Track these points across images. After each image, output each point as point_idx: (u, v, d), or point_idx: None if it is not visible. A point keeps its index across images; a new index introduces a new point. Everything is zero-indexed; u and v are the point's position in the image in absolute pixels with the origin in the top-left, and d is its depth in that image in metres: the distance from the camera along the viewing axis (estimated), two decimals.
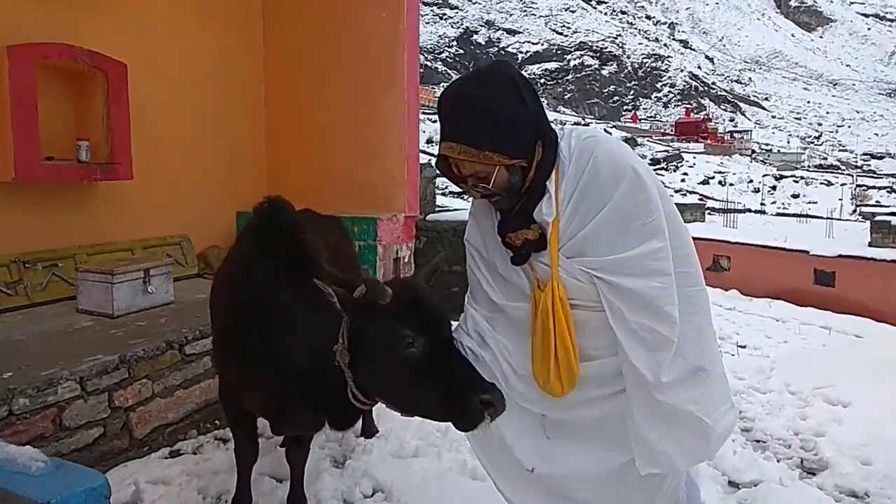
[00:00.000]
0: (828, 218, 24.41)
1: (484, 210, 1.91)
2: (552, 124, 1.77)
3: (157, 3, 5.08)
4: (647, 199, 1.63)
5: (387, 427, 3.51)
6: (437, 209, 7.10)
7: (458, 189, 2.23)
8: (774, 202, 44.02)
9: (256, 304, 2.11)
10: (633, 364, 1.67)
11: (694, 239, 1.80)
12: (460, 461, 3.11)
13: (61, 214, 4.42)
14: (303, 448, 2.60)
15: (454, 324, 1.95)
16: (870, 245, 13.61)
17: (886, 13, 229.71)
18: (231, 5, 5.79)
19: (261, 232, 2.23)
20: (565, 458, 1.88)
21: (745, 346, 6.31)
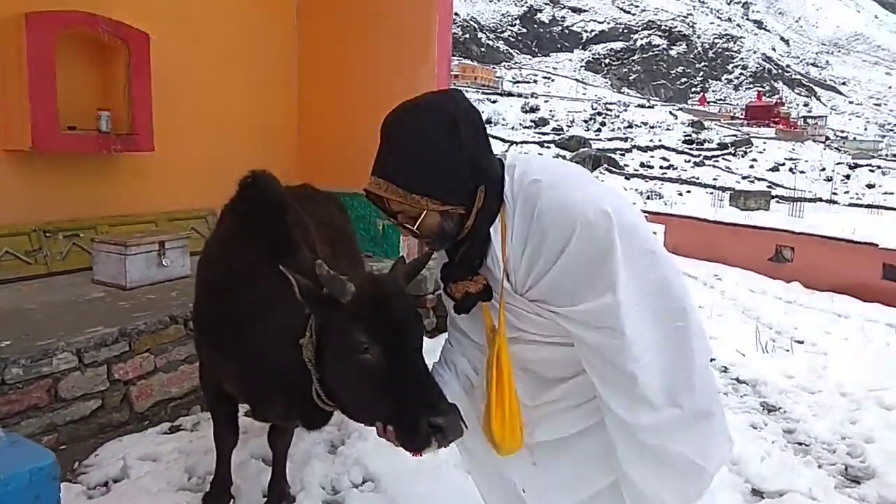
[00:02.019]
0: None
1: None
2: (500, 155, 1.60)
3: None
4: (603, 249, 1.43)
5: None
6: None
7: None
8: (847, 192, 42.02)
9: (232, 288, 1.99)
10: (607, 403, 1.52)
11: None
12: (459, 455, 2.94)
13: (84, 185, 4.41)
14: (285, 434, 2.49)
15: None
16: None
17: None
18: None
19: (242, 210, 2.11)
20: (553, 484, 1.74)
21: (801, 342, 6.00)
